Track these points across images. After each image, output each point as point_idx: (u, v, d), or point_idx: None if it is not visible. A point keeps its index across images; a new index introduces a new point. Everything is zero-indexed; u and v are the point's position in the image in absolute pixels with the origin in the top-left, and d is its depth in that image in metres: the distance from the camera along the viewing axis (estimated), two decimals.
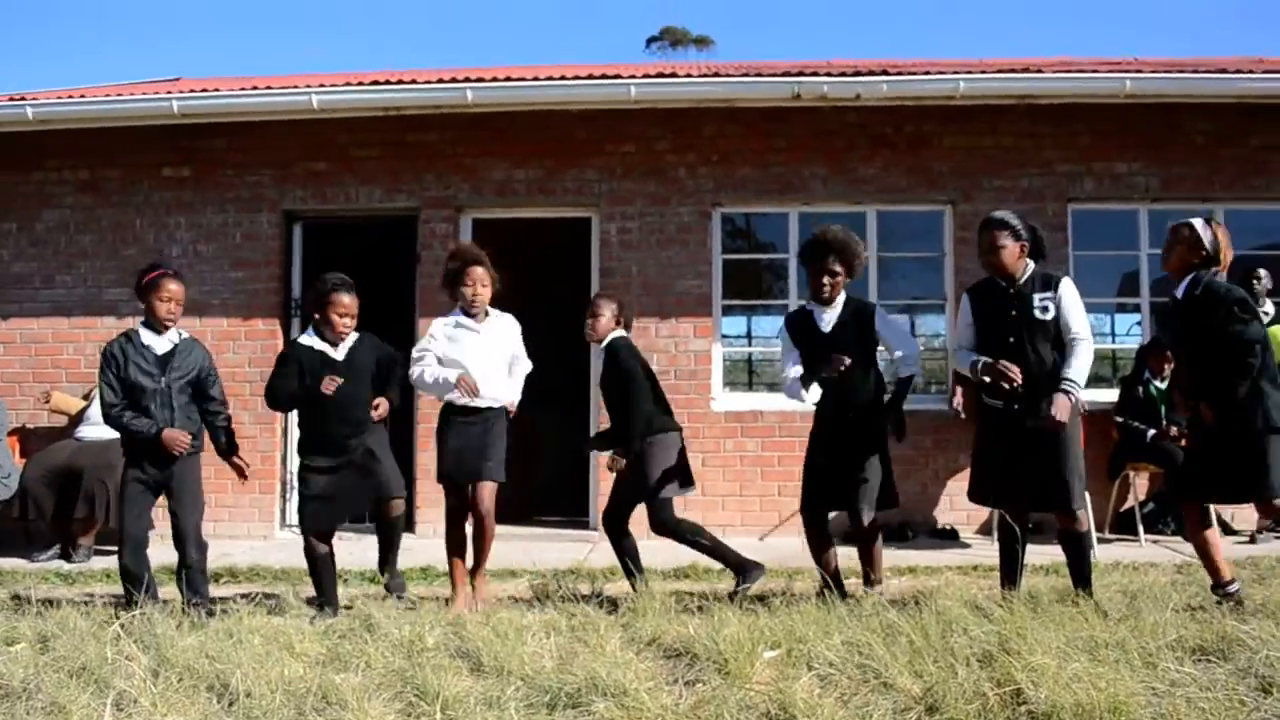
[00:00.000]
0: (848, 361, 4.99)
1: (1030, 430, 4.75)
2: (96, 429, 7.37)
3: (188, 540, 5.24)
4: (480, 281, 5.51)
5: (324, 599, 5.26)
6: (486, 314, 5.59)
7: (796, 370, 5.29)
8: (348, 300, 5.33)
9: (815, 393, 5.35)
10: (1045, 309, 4.81)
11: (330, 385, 5.12)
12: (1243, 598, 4.83)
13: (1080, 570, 4.94)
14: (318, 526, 5.25)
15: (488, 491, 5.36)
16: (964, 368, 5.02)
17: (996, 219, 4.90)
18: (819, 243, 5.27)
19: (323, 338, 5.36)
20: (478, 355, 5.44)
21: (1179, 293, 4.91)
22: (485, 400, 5.41)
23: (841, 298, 5.29)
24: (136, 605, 4.83)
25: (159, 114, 8.17)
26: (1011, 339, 4.83)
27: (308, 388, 5.21)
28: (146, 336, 5.33)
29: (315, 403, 5.22)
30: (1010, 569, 4.98)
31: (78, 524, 7.18)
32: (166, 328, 5.36)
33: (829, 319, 5.26)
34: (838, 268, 5.20)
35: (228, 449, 5.52)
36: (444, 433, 5.46)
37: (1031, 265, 4.93)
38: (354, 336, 5.45)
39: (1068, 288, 4.86)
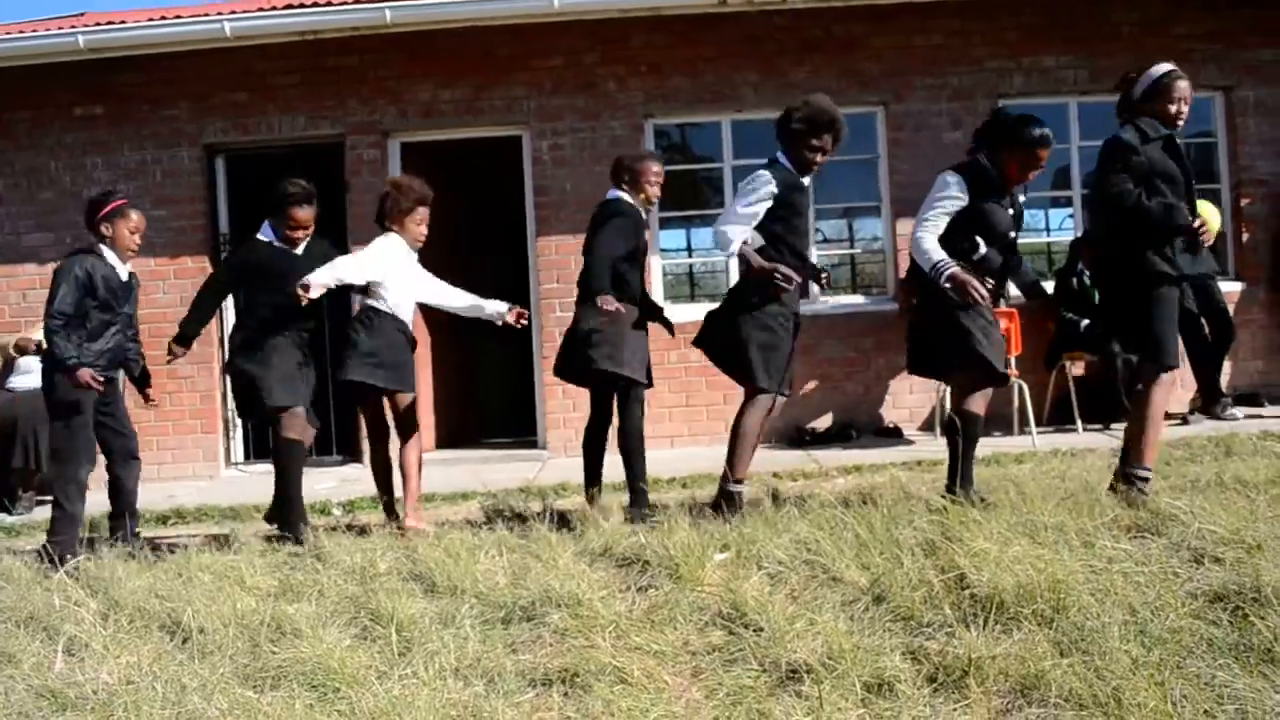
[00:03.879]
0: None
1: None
2: (28, 379, 7.21)
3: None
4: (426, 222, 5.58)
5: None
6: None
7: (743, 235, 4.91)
8: (303, 215, 5.34)
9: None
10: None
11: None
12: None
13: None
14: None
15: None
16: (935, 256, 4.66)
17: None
18: (835, 121, 4.96)
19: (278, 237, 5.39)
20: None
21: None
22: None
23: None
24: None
25: (65, 50, 7.85)
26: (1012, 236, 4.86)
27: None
28: (112, 259, 5.24)
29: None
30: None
31: (16, 475, 7.04)
32: (129, 259, 5.36)
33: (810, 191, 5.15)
34: (832, 148, 5.05)
35: (142, 379, 5.60)
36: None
37: None
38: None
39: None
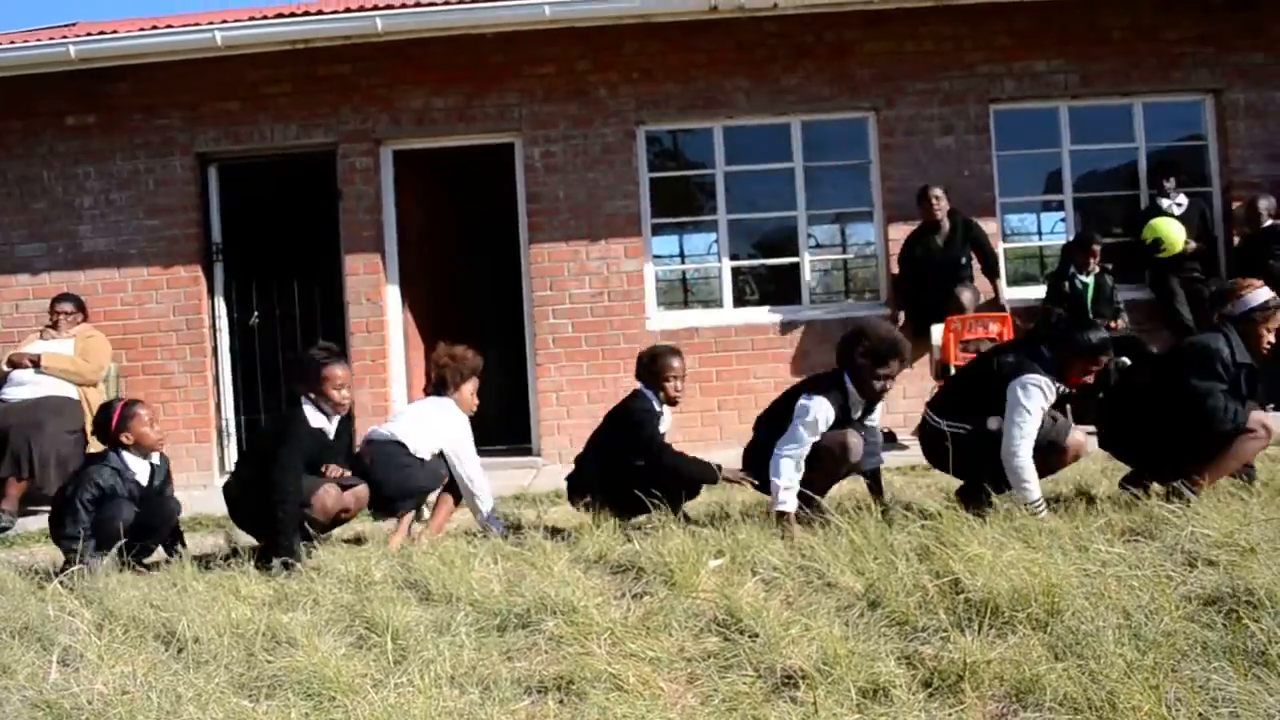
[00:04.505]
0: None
1: None
2: (21, 389, 7.19)
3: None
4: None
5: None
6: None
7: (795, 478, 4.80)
8: (342, 373, 5.05)
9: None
10: None
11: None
12: None
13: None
14: None
15: None
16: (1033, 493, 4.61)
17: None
18: (899, 350, 4.87)
19: (320, 411, 5.04)
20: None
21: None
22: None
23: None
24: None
25: (56, 60, 7.84)
26: None
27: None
28: (132, 463, 5.03)
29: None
30: None
31: (4, 484, 6.98)
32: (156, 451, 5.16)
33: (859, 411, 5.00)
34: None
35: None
36: None
37: None
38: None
39: None
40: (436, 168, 8.72)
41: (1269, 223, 7.84)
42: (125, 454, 5.01)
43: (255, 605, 4.01)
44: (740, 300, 8.60)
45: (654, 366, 5.27)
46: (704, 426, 8.13)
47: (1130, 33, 8.25)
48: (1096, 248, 7.73)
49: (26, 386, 7.20)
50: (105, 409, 5.14)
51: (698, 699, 2.99)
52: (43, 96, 8.26)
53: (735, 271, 8.57)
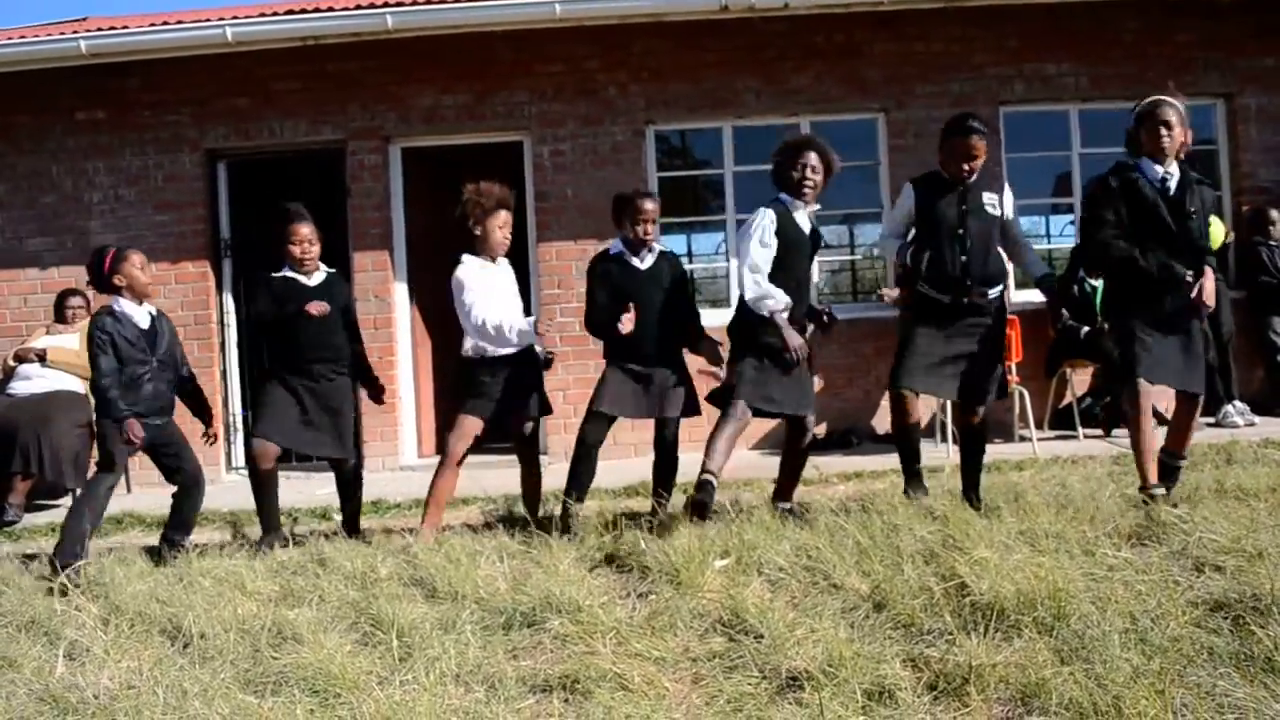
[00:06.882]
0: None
1: (969, 324, 4.91)
2: (29, 384, 7.20)
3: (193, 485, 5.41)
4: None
5: (267, 524, 5.29)
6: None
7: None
8: (305, 230, 5.29)
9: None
10: (994, 206, 4.95)
11: (316, 308, 5.15)
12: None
13: (974, 468, 5.07)
14: (269, 434, 5.22)
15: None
16: (893, 255, 5.30)
17: (977, 127, 4.84)
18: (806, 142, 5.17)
19: (295, 270, 5.33)
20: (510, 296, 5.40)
21: (1171, 178, 4.74)
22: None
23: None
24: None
25: (67, 55, 7.85)
26: (960, 231, 4.88)
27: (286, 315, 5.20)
28: (129, 308, 5.12)
29: (291, 329, 5.21)
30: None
31: (11, 480, 6.98)
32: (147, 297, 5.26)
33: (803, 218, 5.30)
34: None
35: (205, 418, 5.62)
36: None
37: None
38: (326, 271, 5.46)
39: (1008, 192, 5.08)
40: (445, 165, 8.72)
41: None
42: (121, 299, 5.12)
43: (261, 601, 4.03)
44: None
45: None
46: (710, 425, 8.11)
47: (1141, 36, 8.22)
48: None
49: (34, 381, 7.21)
50: (98, 253, 5.21)
51: (702, 699, 2.99)
52: (53, 91, 8.27)
53: None
